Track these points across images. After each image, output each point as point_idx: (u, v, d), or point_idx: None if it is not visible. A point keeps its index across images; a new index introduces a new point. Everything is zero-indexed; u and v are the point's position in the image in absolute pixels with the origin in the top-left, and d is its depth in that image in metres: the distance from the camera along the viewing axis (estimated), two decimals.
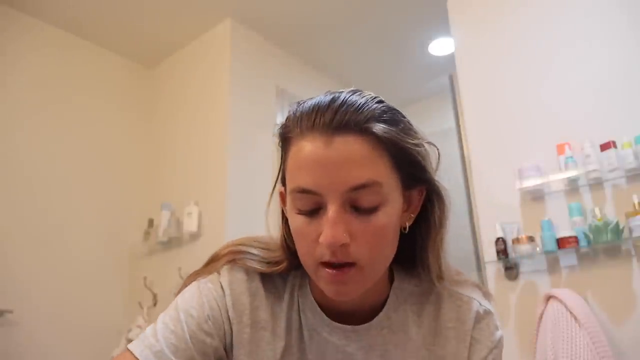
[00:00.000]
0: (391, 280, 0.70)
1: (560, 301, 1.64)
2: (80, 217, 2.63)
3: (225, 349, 0.66)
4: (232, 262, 0.69)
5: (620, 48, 1.85)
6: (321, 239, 0.56)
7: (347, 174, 0.55)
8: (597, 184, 1.78)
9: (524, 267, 1.91)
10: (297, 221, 0.59)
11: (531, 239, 1.82)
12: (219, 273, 0.69)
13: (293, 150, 0.59)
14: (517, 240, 1.84)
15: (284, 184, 0.65)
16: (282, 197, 0.66)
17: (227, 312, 0.66)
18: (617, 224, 1.65)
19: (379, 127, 0.56)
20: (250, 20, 2.80)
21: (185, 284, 0.71)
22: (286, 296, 0.69)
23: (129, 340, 2.33)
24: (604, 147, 1.75)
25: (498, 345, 0.67)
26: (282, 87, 2.92)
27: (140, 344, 0.61)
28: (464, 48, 2.33)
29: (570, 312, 1.59)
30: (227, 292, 0.66)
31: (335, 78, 3.33)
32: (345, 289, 0.58)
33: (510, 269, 1.93)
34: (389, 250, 0.61)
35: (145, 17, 2.74)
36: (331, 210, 0.56)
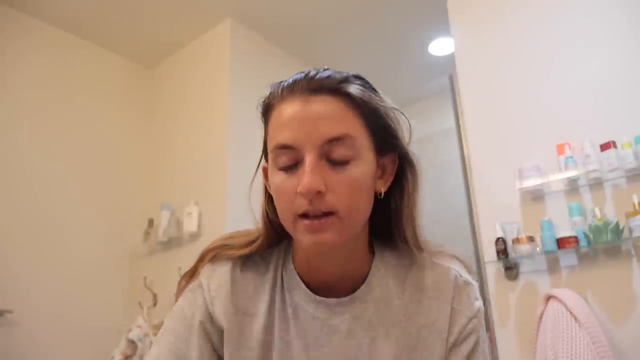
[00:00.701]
0: (372, 254, 0.72)
1: (560, 301, 1.63)
2: (80, 217, 2.63)
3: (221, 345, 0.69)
4: (214, 257, 0.73)
5: (620, 48, 1.85)
6: (299, 189, 0.59)
7: (323, 128, 0.60)
8: (597, 184, 1.78)
9: (524, 267, 1.91)
10: (277, 179, 0.63)
11: (531, 239, 1.82)
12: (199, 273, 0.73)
13: (274, 115, 0.64)
14: (517, 240, 1.84)
15: (267, 159, 0.68)
16: (265, 172, 0.70)
17: (207, 310, 0.69)
18: (617, 224, 1.65)
19: (352, 87, 0.63)
20: (250, 20, 2.80)
21: (179, 289, 0.75)
22: (269, 276, 0.71)
23: (129, 340, 2.33)
24: (604, 147, 1.75)
25: (477, 315, 0.69)
26: None
27: None
28: (464, 48, 2.32)
29: (570, 312, 1.59)
30: (206, 288, 0.70)
31: None
32: (324, 236, 0.60)
33: (510, 269, 1.93)
34: (364, 204, 0.64)
35: (145, 17, 2.74)
36: (308, 160, 0.59)
